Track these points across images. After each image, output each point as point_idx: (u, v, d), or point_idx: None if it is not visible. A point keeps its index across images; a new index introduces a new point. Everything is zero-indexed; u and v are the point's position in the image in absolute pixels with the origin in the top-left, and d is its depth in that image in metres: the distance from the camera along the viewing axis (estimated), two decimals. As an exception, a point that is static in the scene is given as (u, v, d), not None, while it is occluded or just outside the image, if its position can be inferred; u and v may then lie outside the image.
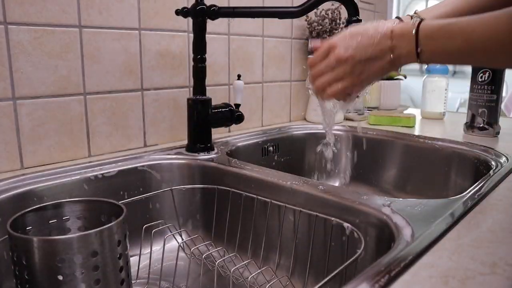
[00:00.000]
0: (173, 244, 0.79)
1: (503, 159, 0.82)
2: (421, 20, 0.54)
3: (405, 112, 1.40)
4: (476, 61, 0.55)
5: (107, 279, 0.45)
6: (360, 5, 1.56)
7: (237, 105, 0.93)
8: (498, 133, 1.06)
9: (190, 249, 0.74)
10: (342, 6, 0.74)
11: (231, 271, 0.60)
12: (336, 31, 1.26)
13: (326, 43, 0.60)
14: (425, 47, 0.53)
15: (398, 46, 0.55)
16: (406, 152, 1.05)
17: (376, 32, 0.56)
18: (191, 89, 0.91)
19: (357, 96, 0.63)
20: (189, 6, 0.84)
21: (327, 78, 0.60)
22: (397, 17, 0.66)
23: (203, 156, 0.84)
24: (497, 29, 0.48)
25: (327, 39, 0.61)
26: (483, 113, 1.05)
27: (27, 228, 0.48)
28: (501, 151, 0.88)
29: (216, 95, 1.04)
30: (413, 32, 0.53)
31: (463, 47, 0.51)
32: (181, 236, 0.79)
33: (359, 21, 0.70)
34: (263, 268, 0.66)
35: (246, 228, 0.74)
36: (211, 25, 0.92)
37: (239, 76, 0.92)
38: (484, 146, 0.92)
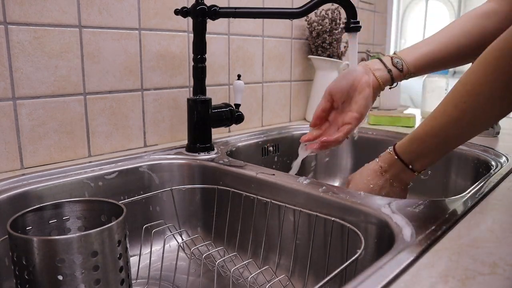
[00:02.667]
0: (173, 244, 0.79)
1: (503, 159, 0.82)
2: (394, 144, 0.65)
3: (405, 112, 1.40)
4: (453, 144, 0.61)
5: (107, 279, 0.45)
6: (360, 5, 1.56)
7: (237, 105, 0.93)
8: (498, 133, 1.06)
9: (190, 249, 0.74)
10: (341, 7, 0.75)
11: (231, 271, 0.60)
12: (336, 31, 1.27)
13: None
14: (411, 161, 0.63)
15: (395, 175, 0.66)
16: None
17: (370, 174, 0.67)
18: (191, 89, 0.91)
19: None
20: (189, 6, 0.84)
21: None
22: (378, 58, 0.74)
23: (203, 156, 0.84)
24: (444, 114, 0.57)
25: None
26: (483, 113, 1.05)
27: (27, 228, 0.48)
28: (501, 151, 0.88)
29: (216, 95, 1.04)
30: (395, 158, 0.64)
31: (435, 142, 0.60)
32: (181, 236, 0.79)
33: (358, 26, 0.71)
34: (263, 268, 0.66)
35: (246, 228, 0.74)
36: (211, 25, 0.92)
37: (239, 76, 0.92)
38: (484, 146, 0.92)
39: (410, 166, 0.63)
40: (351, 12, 0.71)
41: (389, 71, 0.72)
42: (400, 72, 0.73)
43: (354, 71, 0.71)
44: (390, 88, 0.77)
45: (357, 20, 0.71)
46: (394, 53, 0.74)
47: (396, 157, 0.64)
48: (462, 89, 0.55)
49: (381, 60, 0.74)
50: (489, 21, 0.70)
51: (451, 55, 0.72)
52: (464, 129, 0.57)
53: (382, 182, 0.66)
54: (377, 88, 0.72)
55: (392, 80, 0.73)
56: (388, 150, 0.66)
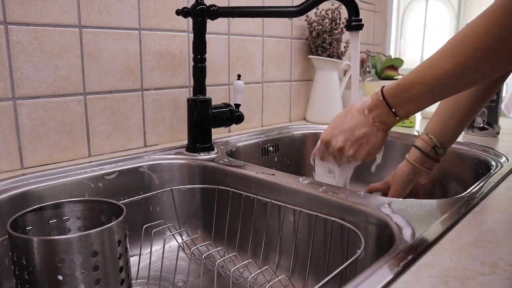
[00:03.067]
0: (173, 244, 0.79)
1: (503, 159, 0.82)
2: (382, 87, 0.64)
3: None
4: (440, 96, 0.61)
5: (107, 279, 0.45)
6: (360, 5, 1.56)
7: (237, 105, 0.93)
8: (498, 133, 1.06)
9: (190, 249, 0.74)
10: (342, 6, 0.75)
11: (231, 271, 0.60)
12: (336, 31, 1.26)
13: (320, 141, 0.71)
14: (396, 105, 0.63)
15: (378, 115, 0.65)
16: (406, 152, 1.05)
17: (353, 114, 0.67)
18: (191, 89, 0.91)
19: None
20: (189, 6, 0.84)
21: (342, 166, 0.74)
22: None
23: (203, 156, 0.84)
24: (439, 62, 0.56)
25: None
26: (483, 113, 1.05)
27: (27, 228, 0.48)
28: (501, 151, 0.88)
29: (216, 95, 1.04)
30: (381, 98, 0.63)
31: (423, 89, 0.58)
32: (181, 236, 0.79)
33: (360, 24, 0.70)
34: (263, 268, 0.66)
35: (246, 228, 0.74)
36: (211, 25, 0.92)
37: (239, 76, 0.92)
38: (484, 146, 0.92)
39: (394, 110, 0.63)
40: (353, 9, 0.70)
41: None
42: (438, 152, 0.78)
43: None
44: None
45: (359, 17, 0.70)
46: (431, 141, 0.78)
47: (381, 98, 0.63)
48: (460, 41, 0.54)
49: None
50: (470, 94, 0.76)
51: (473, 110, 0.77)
52: (456, 82, 0.56)
53: (365, 120, 0.65)
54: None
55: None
56: (376, 90, 0.65)
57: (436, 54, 0.57)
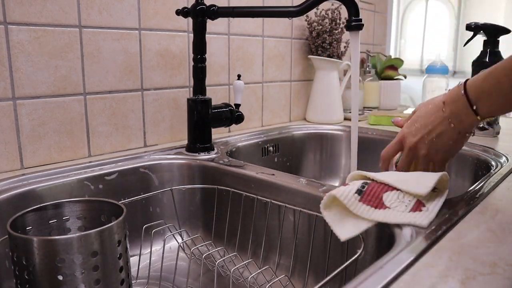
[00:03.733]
0: (173, 244, 0.79)
1: (503, 159, 0.82)
2: (466, 80, 0.55)
3: (405, 112, 1.40)
4: None
5: (107, 279, 0.45)
6: (360, 5, 1.56)
7: (237, 105, 0.93)
8: (498, 133, 1.06)
9: (190, 249, 0.74)
10: (342, 6, 0.74)
11: (231, 271, 0.60)
12: (336, 31, 1.26)
13: (398, 134, 0.64)
14: (478, 102, 0.53)
15: (454, 112, 0.56)
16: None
17: (432, 108, 0.59)
18: (191, 89, 0.91)
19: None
20: (189, 6, 0.84)
21: (420, 166, 0.63)
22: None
23: (203, 156, 0.84)
24: None
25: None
26: (483, 113, 1.05)
27: (27, 228, 0.48)
28: (501, 151, 0.88)
29: (216, 95, 1.04)
30: (462, 92, 0.54)
31: None
32: (181, 236, 0.79)
33: (360, 24, 0.69)
34: (263, 268, 0.66)
35: (246, 228, 0.74)
36: (211, 25, 0.92)
37: (239, 76, 0.92)
38: (484, 146, 0.92)
39: (475, 107, 0.53)
40: (353, 9, 0.70)
41: None
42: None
43: None
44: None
45: (359, 17, 0.69)
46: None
47: (462, 91, 0.54)
48: None
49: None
50: None
51: None
52: None
53: (440, 119, 0.57)
54: None
55: None
56: (458, 83, 0.56)
57: None
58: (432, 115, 0.58)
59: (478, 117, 0.54)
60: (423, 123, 0.59)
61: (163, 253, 0.70)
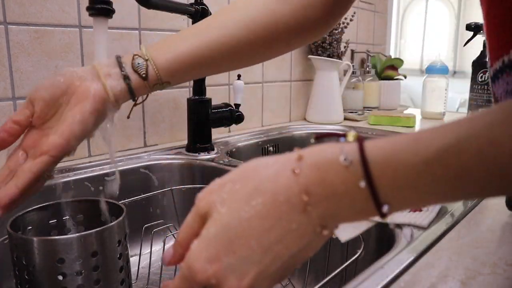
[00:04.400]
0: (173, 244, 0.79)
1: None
2: (364, 161, 0.28)
3: (405, 112, 1.40)
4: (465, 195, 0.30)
5: (107, 279, 0.45)
6: (360, 5, 1.56)
7: (237, 105, 0.93)
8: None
9: (190, 249, 0.74)
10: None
11: (231, 271, 0.60)
12: (336, 31, 1.27)
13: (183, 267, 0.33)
14: (393, 200, 0.28)
15: (332, 213, 0.30)
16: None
17: (284, 212, 0.30)
18: (191, 89, 0.91)
19: None
20: (189, 6, 0.84)
21: None
22: (117, 58, 0.48)
23: (203, 156, 0.84)
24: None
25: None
26: (483, 113, 1.05)
27: (27, 228, 0.48)
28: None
29: (216, 95, 1.04)
30: (362, 185, 0.28)
31: (445, 176, 0.27)
32: (181, 236, 0.79)
33: (106, 8, 0.55)
34: (263, 268, 0.66)
35: (246, 228, 0.74)
36: (211, 25, 0.92)
37: (239, 76, 0.92)
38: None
39: (386, 209, 0.28)
40: None
41: (126, 78, 0.47)
42: (144, 80, 0.47)
43: (74, 72, 0.48)
44: (135, 105, 0.53)
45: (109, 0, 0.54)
46: (142, 48, 0.48)
47: (363, 182, 0.28)
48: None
49: (118, 61, 0.48)
50: (284, 6, 0.49)
51: (225, 54, 0.49)
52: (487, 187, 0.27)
53: (305, 224, 0.30)
54: (104, 102, 0.47)
55: (131, 93, 0.48)
56: (341, 156, 0.28)
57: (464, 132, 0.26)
58: (280, 224, 0.30)
59: (384, 218, 0.29)
60: (258, 246, 0.30)
61: (163, 253, 0.70)
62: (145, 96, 0.51)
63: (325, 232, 0.30)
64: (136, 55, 0.48)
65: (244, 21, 0.49)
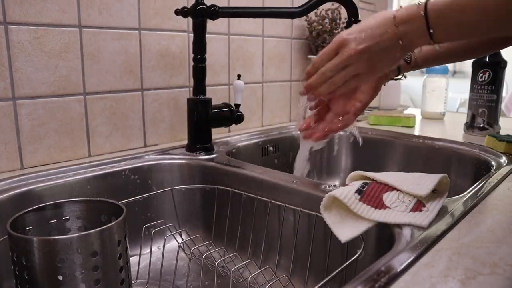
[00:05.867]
0: (173, 244, 0.79)
1: (503, 159, 0.82)
2: (426, 1, 0.52)
3: (405, 112, 1.40)
4: (492, 31, 0.51)
5: (107, 279, 0.45)
6: (360, 5, 1.56)
7: (237, 105, 0.93)
8: (498, 133, 1.06)
9: (190, 249, 0.74)
10: (342, 6, 0.75)
11: (231, 271, 0.60)
12: (336, 31, 1.26)
13: (337, 38, 0.58)
14: (437, 26, 0.51)
15: (408, 32, 0.53)
16: (406, 152, 1.05)
17: (382, 20, 0.55)
18: (191, 89, 0.91)
19: (357, 120, 0.67)
20: (189, 6, 0.84)
21: (346, 72, 0.58)
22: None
23: (203, 156, 0.84)
24: None
25: (335, 35, 0.60)
26: (483, 113, 1.05)
27: (27, 228, 0.48)
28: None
29: (216, 95, 1.04)
30: (422, 13, 0.51)
31: (477, 19, 0.49)
32: (181, 236, 0.79)
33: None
34: (263, 268, 0.66)
35: (246, 228, 0.74)
36: (211, 25, 0.92)
37: (239, 76, 0.92)
38: (484, 146, 0.92)
39: (432, 31, 0.51)
40: (352, 10, 0.70)
41: None
42: (408, 63, 0.70)
43: None
44: (395, 79, 0.72)
45: (359, 19, 0.70)
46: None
47: (422, 12, 0.51)
48: None
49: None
50: None
51: (463, 47, 0.68)
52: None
53: (390, 35, 0.54)
54: (383, 78, 0.66)
55: (398, 71, 0.70)
56: (417, 1, 0.54)
57: None
58: (382, 28, 0.55)
59: (432, 41, 0.53)
60: (371, 33, 0.55)
61: (163, 253, 0.70)
62: (401, 75, 0.73)
63: (401, 42, 0.54)
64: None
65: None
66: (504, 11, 0.47)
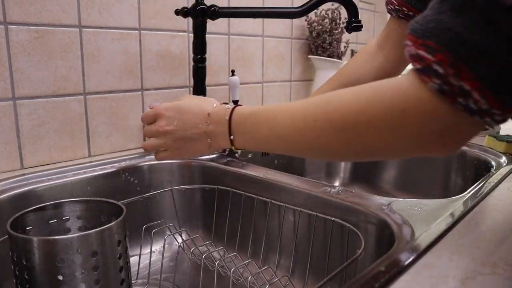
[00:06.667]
0: (173, 244, 0.79)
1: (503, 159, 0.82)
2: (235, 106, 0.54)
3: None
4: (284, 150, 0.50)
5: (107, 279, 0.45)
6: (360, 5, 1.56)
7: (235, 102, 0.92)
8: (498, 133, 1.06)
9: (190, 249, 0.74)
10: (342, 6, 0.75)
11: (231, 271, 0.60)
12: (336, 31, 1.27)
13: (155, 109, 0.61)
14: (237, 134, 0.53)
15: (215, 132, 0.55)
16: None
17: (198, 114, 0.57)
18: (191, 89, 0.91)
19: None
20: (189, 6, 0.84)
21: (154, 142, 0.61)
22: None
23: (203, 156, 0.84)
24: (294, 117, 0.46)
25: (161, 106, 0.61)
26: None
27: (27, 228, 0.48)
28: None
29: (216, 95, 1.04)
30: (227, 118, 0.53)
31: (269, 135, 0.49)
32: (181, 236, 0.79)
33: (359, 25, 0.70)
34: (263, 268, 0.66)
35: (246, 228, 0.74)
36: (211, 25, 0.92)
37: (233, 72, 0.92)
38: (484, 146, 0.92)
39: (232, 137, 0.53)
40: (353, 10, 0.71)
41: None
42: None
43: None
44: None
45: (359, 19, 0.70)
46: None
47: (227, 117, 0.53)
48: (323, 106, 0.43)
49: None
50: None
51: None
52: (301, 148, 0.47)
53: (200, 130, 0.56)
54: None
55: None
56: (228, 105, 0.55)
57: (290, 104, 0.48)
58: (195, 121, 0.57)
59: (233, 147, 0.54)
60: (183, 121, 0.58)
61: (163, 253, 0.70)
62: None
63: (209, 140, 0.56)
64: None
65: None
66: (292, 133, 0.47)
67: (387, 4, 0.70)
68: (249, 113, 0.52)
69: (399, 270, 0.40)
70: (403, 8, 0.67)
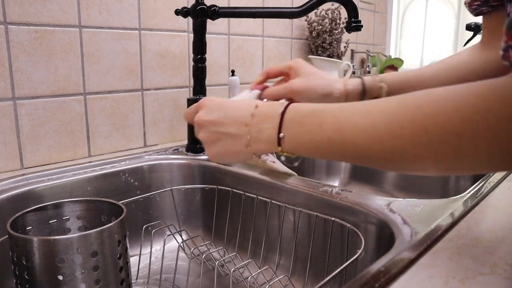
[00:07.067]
0: (173, 244, 0.79)
1: (503, 159, 0.82)
2: (290, 102, 0.45)
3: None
4: (349, 157, 0.41)
5: (107, 279, 0.45)
6: (360, 5, 1.56)
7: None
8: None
9: (190, 249, 0.74)
10: (342, 6, 0.75)
11: (231, 271, 0.60)
12: (336, 31, 1.27)
13: (201, 101, 0.52)
14: (288, 132, 0.43)
15: (259, 127, 0.45)
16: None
17: (245, 105, 0.48)
18: (191, 89, 0.91)
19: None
20: (189, 6, 0.84)
21: (197, 135, 0.53)
22: (359, 77, 0.69)
23: (203, 156, 0.84)
24: (373, 120, 0.38)
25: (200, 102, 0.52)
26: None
27: (27, 228, 0.48)
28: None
29: (216, 95, 1.04)
30: (279, 112, 0.44)
31: (333, 139, 0.40)
32: (181, 236, 0.79)
33: (359, 25, 0.70)
34: (263, 268, 0.66)
35: (246, 228, 0.74)
36: (211, 25, 0.92)
37: (233, 72, 0.92)
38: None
39: (281, 135, 0.44)
40: (352, 11, 0.71)
41: (363, 84, 0.67)
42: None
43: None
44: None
45: (359, 19, 0.70)
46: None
47: (281, 110, 0.44)
48: (413, 111, 0.35)
49: (360, 78, 0.69)
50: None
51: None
52: (375, 156, 0.38)
53: (241, 124, 0.47)
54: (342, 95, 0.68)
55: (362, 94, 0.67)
56: (282, 100, 0.51)
57: (369, 103, 0.40)
58: (237, 113, 0.48)
59: (279, 148, 0.45)
60: (224, 114, 0.48)
61: (163, 253, 0.70)
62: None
63: (249, 137, 0.46)
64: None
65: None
66: (367, 138, 0.39)
67: (470, 5, 0.61)
68: (310, 110, 0.43)
69: (399, 270, 0.40)
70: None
